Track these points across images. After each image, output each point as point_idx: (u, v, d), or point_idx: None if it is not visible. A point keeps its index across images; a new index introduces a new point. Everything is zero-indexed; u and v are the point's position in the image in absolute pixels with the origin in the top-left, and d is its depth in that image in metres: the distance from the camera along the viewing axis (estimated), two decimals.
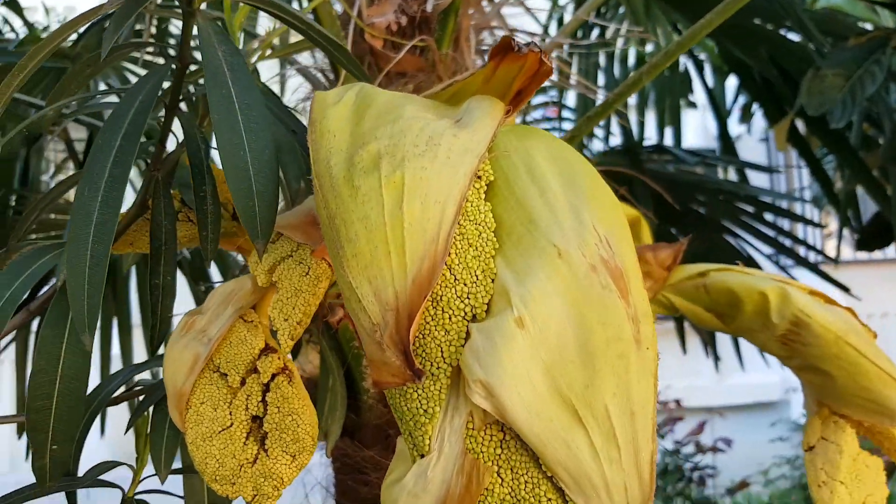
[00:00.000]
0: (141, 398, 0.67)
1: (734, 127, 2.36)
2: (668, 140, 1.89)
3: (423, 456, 0.38)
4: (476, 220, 0.40)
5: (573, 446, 0.36)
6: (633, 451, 0.36)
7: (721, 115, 1.81)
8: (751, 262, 1.71)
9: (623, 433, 0.36)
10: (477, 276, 0.39)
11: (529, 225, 0.39)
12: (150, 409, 0.64)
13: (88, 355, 0.57)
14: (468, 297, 0.39)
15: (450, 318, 0.38)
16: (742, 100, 2.13)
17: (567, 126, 1.96)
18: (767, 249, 1.66)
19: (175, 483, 0.65)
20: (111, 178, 0.48)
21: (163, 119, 0.58)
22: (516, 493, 0.37)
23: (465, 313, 0.38)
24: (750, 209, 1.67)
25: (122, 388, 0.64)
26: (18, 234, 0.63)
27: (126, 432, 0.64)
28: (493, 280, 0.39)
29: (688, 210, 1.78)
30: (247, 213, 0.46)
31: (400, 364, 0.37)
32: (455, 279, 0.39)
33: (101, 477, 0.63)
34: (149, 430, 0.63)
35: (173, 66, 0.54)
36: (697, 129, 4.12)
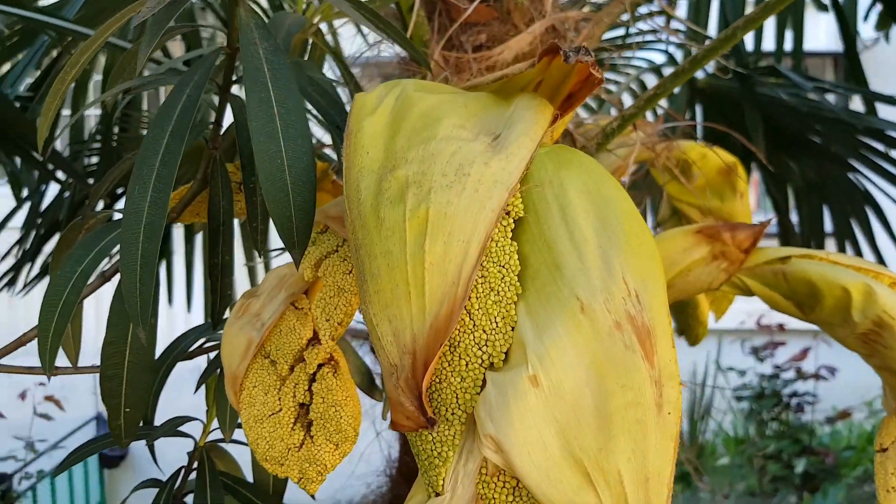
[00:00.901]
0: (212, 355, 0.71)
1: (871, 31, 2.12)
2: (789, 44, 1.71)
3: (437, 494, 0.39)
4: (500, 261, 0.38)
5: None
6: None
7: (848, 31, 1.63)
8: (868, 199, 1.59)
9: (636, 499, 0.35)
10: (496, 323, 0.38)
11: (555, 271, 0.37)
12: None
13: (154, 327, 0.61)
14: (486, 345, 0.38)
15: (466, 365, 0.38)
16: None
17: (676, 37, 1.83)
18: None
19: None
20: (158, 178, 0.48)
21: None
22: None
23: (482, 360, 0.38)
24: (876, 144, 1.53)
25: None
26: (93, 204, 0.66)
27: (196, 391, 0.68)
28: (512, 328, 0.38)
29: (802, 138, 1.65)
30: (283, 223, 0.46)
31: (414, 409, 0.37)
32: (474, 325, 0.38)
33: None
34: (216, 390, 0.67)
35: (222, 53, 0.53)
36: (830, 31, 3.75)
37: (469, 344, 0.38)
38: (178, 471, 0.68)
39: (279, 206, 0.46)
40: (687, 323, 1.24)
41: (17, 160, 1.48)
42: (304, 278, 0.54)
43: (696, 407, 4.24)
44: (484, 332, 0.38)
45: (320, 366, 0.54)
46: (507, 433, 0.35)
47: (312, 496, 0.57)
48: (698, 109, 1.79)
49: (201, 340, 0.70)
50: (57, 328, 0.57)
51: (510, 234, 0.39)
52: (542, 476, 0.35)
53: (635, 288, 0.36)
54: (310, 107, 0.56)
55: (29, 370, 0.64)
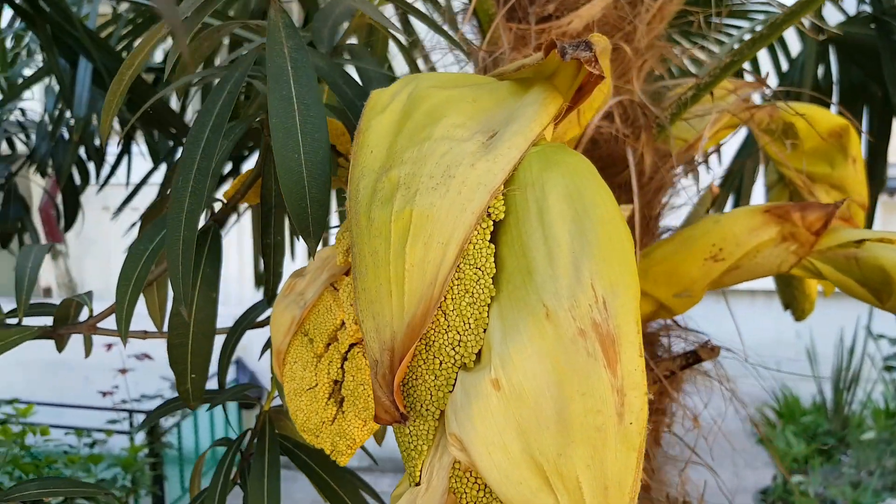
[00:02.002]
0: None
1: None
2: None
3: (417, 484, 0.40)
4: (476, 263, 0.39)
5: None
6: None
7: None
8: None
9: None
10: (469, 325, 0.38)
11: (526, 276, 0.37)
12: None
13: (216, 301, 0.66)
14: (459, 345, 0.39)
15: (440, 364, 0.39)
16: None
17: None
18: None
19: None
20: (199, 170, 0.52)
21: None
22: None
23: (455, 360, 0.39)
24: None
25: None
26: (167, 187, 0.72)
27: (260, 358, 0.73)
28: (485, 330, 0.38)
29: None
30: (299, 215, 0.48)
31: (389, 404, 0.39)
32: (448, 325, 0.39)
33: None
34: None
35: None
36: None
37: (443, 344, 0.39)
38: (245, 432, 0.74)
39: (295, 197, 0.48)
40: (792, 296, 1.17)
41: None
42: (338, 263, 0.56)
43: (843, 376, 3.98)
44: (457, 332, 0.39)
45: (352, 346, 0.57)
46: (469, 433, 0.36)
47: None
48: (832, 60, 1.65)
49: (269, 311, 0.75)
50: (131, 300, 0.63)
51: (489, 237, 0.39)
52: (502, 476, 0.36)
53: (603, 295, 0.36)
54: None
55: (115, 332, 0.71)
